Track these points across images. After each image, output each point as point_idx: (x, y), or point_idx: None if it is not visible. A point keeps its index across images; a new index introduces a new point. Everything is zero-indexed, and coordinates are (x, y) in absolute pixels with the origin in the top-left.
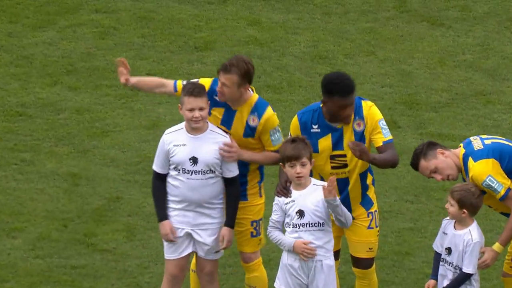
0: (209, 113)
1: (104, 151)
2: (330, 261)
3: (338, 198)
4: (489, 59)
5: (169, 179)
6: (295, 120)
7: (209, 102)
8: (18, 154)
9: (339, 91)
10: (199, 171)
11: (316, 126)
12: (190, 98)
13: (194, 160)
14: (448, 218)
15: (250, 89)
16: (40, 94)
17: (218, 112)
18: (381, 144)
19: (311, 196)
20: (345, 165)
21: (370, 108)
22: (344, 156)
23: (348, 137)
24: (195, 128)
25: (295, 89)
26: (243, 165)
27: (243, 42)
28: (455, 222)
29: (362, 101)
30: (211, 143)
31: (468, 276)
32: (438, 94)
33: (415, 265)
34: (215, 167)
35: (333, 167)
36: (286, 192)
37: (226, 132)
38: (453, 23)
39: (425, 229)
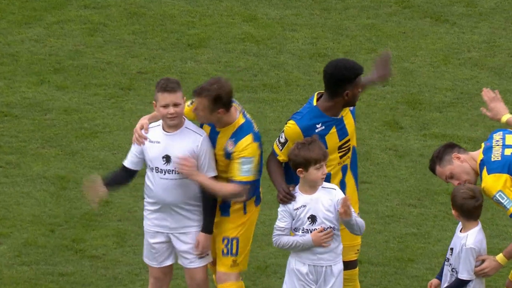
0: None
1: (93, 153)
2: (339, 265)
3: (354, 214)
4: (495, 57)
5: (145, 180)
6: (294, 128)
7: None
8: (3, 156)
9: (359, 70)
10: (172, 170)
11: (319, 125)
12: (164, 94)
13: (167, 159)
14: None
15: (234, 111)
16: (26, 93)
17: (207, 129)
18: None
19: (322, 200)
20: (349, 150)
21: None
22: (348, 140)
23: (349, 120)
24: (170, 125)
25: (293, 88)
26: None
27: (239, 39)
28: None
29: None
30: (186, 140)
31: (463, 283)
32: (442, 94)
33: (418, 272)
34: None
35: (341, 156)
36: (291, 198)
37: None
38: (458, 19)
39: (428, 235)
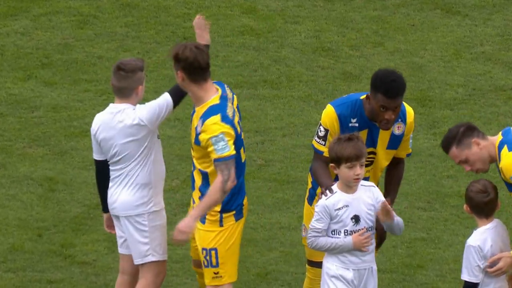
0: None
1: (83, 153)
2: (375, 265)
3: (395, 216)
4: (510, 51)
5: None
6: (331, 112)
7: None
8: None
9: (384, 89)
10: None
11: (354, 120)
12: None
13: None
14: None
15: (211, 91)
16: (12, 89)
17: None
18: (404, 156)
19: (364, 199)
20: (371, 163)
21: (412, 116)
22: (374, 154)
23: (384, 137)
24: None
25: (295, 84)
26: (204, 188)
27: (237, 32)
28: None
29: (406, 106)
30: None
31: (467, 285)
32: (453, 90)
33: (427, 279)
34: None
35: (366, 165)
36: (330, 191)
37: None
38: (470, 11)
39: (439, 240)
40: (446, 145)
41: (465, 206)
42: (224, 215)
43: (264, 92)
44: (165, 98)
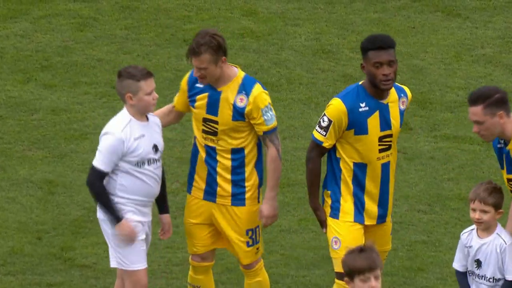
0: (193, 106)
1: (83, 155)
2: None
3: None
4: (510, 53)
5: (130, 178)
6: (339, 105)
7: (189, 98)
8: None
9: (372, 44)
10: (158, 159)
11: (363, 104)
12: (147, 81)
13: (156, 148)
14: (466, 231)
15: (232, 65)
16: (11, 92)
17: (202, 100)
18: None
19: None
20: (390, 147)
21: (409, 90)
22: (391, 136)
23: (395, 115)
24: (147, 112)
25: (295, 87)
26: (240, 169)
27: (237, 35)
28: (477, 231)
29: (399, 84)
30: (154, 126)
31: None
32: (454, 92)
33: (428, 282)
34: None
35: (380, 150)
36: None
37: (214, 121)
38: (471, 13)
39: (439, 242)
40: (474, 100)
41: (498, 213)
42: (260, 190)
43: None
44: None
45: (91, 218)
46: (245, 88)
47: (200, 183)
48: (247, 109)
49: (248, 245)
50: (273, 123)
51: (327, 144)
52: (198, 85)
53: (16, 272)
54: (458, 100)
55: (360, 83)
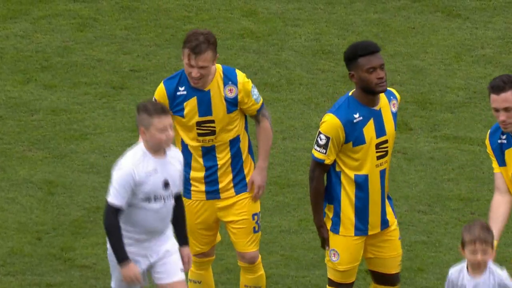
0: (182, 115)
1: (83, 156)
2: None
3: None
4: (510, 54)
5: (132, 210)
6: (333, 120)
7: (171, 111)
8: None
9: (361, 50)
10: (169, 195)
11: (357, 115)
12: (161, 117)
13: (166, 184)
14: (456, 269)
15: None
16: (11, 92)
17: (191, 105)
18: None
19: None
20: (387, 153)
21: (398, 93)
22: (386, 142)
23: (388, 119)
24: (160, 149)
25: (295, 87)
26: (238, 157)
27: (237, 35)
28: (468, 269)
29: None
30: (174, 161)
31: None
32: (454, 93)
33: (428, 282)
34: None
35: (378, 157)
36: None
37: (210, 121)
38: (471, 13)
39: (439, 243)
40: (502, 87)
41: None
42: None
43: (264, 95)
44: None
45: (91, 219)
46: (230, 78)
47: (199, 186)
48: (239, 98)
49: (254, 230)
50: (261, 98)
51: (328, 161)
52: (180, 92)
53: (15, 273)
54: (458, 101)
55: (350, 93)
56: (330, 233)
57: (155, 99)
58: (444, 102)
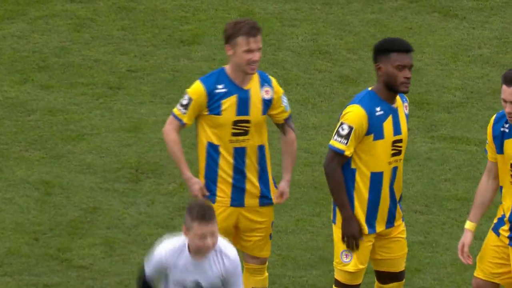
0: (219, 112)
1: (80, 156)
2: None
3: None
4: (508, 54)
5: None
6: (359, 110)
7: (207, 106)
8: None
9: (397, 46)
10: None
11: (379, 109)
12: (201, 224)
13: (198, 284)
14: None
15: None
16: (8, 93)
17: (229, 102)
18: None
19: None
20: (400, 152)
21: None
22: (401, 141)
23: (403, 120)
24: (199, 255)
25: (292, 88)
26: (264, 166)
27: None
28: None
29: None
30: (216, 267)
31: None
32: (451, 93)
33: (425, 283)
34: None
35: (392, 155)
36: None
37: (246, 121)
38: (468, 13)
39: (436, 243)
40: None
41: None
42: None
43: None
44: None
45: (88, 219)
46: (265, 80)
47: (226, 191)
48: (274, 99)
49: (270, 237)
50: (290, 109)
51: (348, 152)
52: (219, 90)
53: (12, 273)
54: (455, 101)
55: (370, 88)
56: (335, 227)
57: (190, 98)
58: (441, 102)
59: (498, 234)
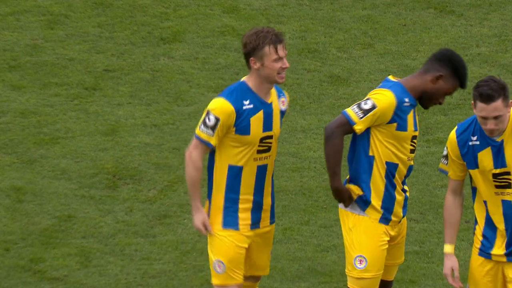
0: (248, 131)
1: (53, 161)
2: None
3: None
4: (507, 53)
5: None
6: (391, 98)
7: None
8: None
9: (464, 77)
10: None
11: (407, 100)
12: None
13: None
14: None
15: None
16: None
17: (258, 119)
18: None
19: None
20: (415, 149)
21: None
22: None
23: (412, 119)
24: None
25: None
26: (272, 180)
27: (218, 33)
28: None
29: None
30: None
31: None
32: None
33: None
34: None
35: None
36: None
37: (270, 137)
38: (465, 10)
39: (432, 253)
40: (492, 95)
41: None
42: None
43: None
44: None
45: (62, 228)
46: (279, 90)
47: (248, 214)
48: (286, 111)
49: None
50: None
51: (358, 127)
52: (246, 106)
53: None
54: (452, 102)
55: (399, 81)
56: (356, 218)
57: (217, 118)
58: (437, 104)
59: (488, 257)
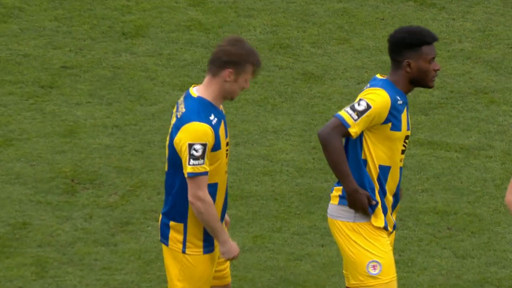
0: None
1: (7, 164)
2: None
3: None
4: (492, 48)
5: None
6: (386, 97)
7: None
8: None
9: (429, 38)
10: None
11: (399, 98)
12: None
13: None
14: None
15: None
16: None
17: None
18: None
19: None
20: (405, 151)
21: None
22: (408, 137)
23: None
24: None
25: (250, 86)
26: None
27: (184, 27)
28: None
29: None
30: None
31: None
32: (428, 93)
33: None
34: None
35: (402, 151)
36: (371, 202)
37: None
38: (447, 3)
39: (412, 262)
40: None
41: None
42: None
43: None
44: None
45: (16, 236)
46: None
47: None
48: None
49: None
50: None
51: (353, 130)
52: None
53: None
54: (433, 101)
55: (386, 78)
56: (359, 226)
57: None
58: (417, 103)
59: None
